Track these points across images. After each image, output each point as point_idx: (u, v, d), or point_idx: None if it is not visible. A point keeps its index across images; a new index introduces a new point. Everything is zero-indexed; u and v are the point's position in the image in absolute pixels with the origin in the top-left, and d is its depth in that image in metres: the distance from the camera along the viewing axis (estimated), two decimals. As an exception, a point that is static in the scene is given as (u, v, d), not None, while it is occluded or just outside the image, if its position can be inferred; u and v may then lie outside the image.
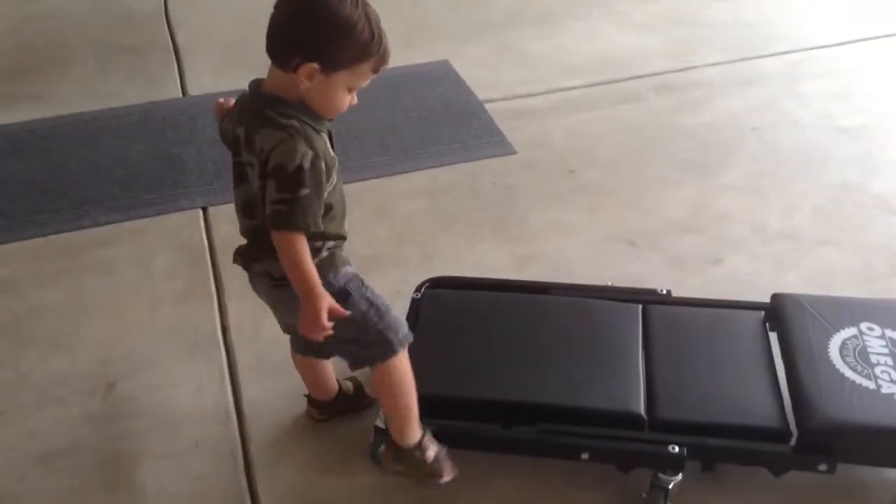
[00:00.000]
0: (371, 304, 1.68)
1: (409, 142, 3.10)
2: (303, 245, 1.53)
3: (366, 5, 1.49)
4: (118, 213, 2.76)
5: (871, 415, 1.77)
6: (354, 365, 1.77)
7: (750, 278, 2.43)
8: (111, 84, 3.54)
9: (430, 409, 1.83)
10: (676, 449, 1.76)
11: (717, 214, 2.73)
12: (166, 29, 3.99)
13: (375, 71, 1.53)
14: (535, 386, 1.89)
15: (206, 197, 2.82)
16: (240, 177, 1.62)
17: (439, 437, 1.84)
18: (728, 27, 3.92)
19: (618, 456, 1.83)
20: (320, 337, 1.57)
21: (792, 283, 2.28)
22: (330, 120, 1.59)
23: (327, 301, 1.55)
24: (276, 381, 2.09)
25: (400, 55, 3.60)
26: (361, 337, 1.69)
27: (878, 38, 3.81)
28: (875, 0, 4.20)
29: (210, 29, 3.97)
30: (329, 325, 1.56)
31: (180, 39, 3.88)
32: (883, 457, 1.82)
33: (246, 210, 1.64)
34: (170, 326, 2.32)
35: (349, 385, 2.04)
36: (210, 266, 2.53)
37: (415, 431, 1.81)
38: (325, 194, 1.54)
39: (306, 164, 1.47)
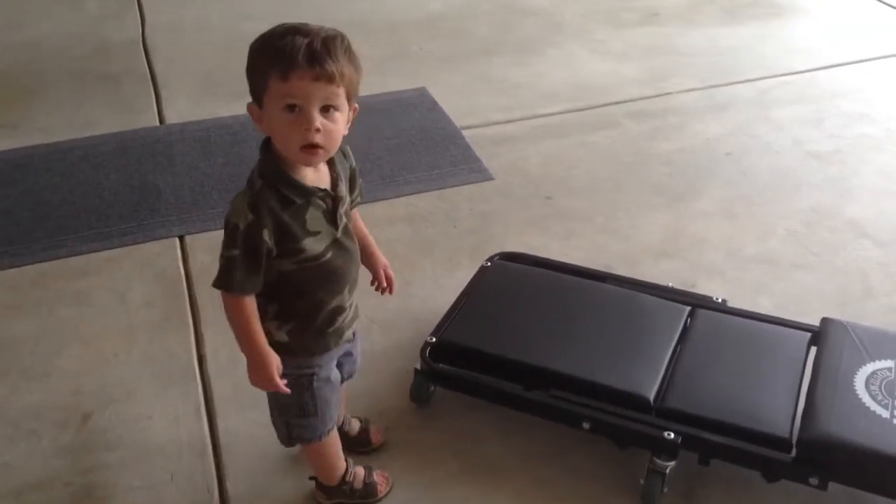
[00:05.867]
0: (313, 397, 1.67)
1: (387, 169, 3.11)
2: (240, 306, 1.49)
3: (287, 26, 1.40)
4: (94, 243, 2.74)
5: (872, 439, 1.75)
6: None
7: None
8: (88, 113, 3.53)
9: (463, 358, 2.04)
10: (672, 435, 1.82)
11: (692, 239, 2.75)
12: (144, 57, 4.00)
13: (285, 78, 1.37)
14: (559, 356, 2.00)
15: (182, 225, 2.81)
16: None
17: (467, 387, 2.03)
18: (702, 55, 3.98)
19: (616, 431, 1.90)
20: (270, 389, 1.58)
21: (766, 308, 2.30)
22: (333, 193, 1.53)
23: (271, 369, 1.54)
24: (253, 410, 2.06)
25: (377, 82, 3.67)
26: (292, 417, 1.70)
27: (848, 64, 3.89)
28: (845, 29, 4.29)
29: (187, 57, 3.98)
30: (282, 384, 1.56)
31: (157, 68, 3.89)
32: (877, 484, 1.78)
33: None
34: (145, 356, 2.30)
35: (355, 424, 1.99)
36: (186, 295, 2.51)
37: (339, 469, 1.83)
38: (266, 266, 1.46)
39: (241, 225, 1.42)
